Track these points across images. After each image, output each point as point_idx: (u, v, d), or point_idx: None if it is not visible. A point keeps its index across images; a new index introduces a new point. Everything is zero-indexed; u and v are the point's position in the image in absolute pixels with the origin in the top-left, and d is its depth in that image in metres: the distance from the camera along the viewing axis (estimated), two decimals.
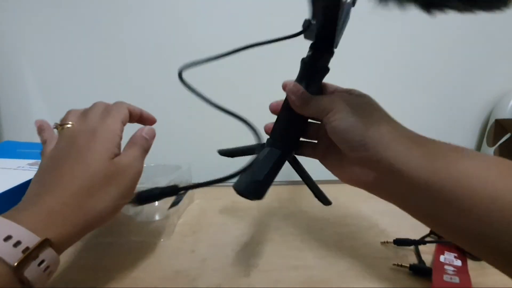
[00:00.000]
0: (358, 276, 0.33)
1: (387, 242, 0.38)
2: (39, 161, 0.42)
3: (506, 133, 0.58)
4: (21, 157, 0.43)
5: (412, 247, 0.37)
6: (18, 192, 0.35)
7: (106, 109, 0.30)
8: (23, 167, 0.40)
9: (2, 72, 0.58)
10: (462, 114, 0.67)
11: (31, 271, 0.19)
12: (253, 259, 0.36)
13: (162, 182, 0.44)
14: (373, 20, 0.58)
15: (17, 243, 0.19)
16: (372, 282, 0.32)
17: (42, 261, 0.20)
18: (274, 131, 0.31)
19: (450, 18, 0.53)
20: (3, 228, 0.19)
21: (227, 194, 0.46)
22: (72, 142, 0.27)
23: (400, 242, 0.37)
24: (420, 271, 0.32)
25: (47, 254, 0.20)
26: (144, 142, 0.30)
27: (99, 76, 0.58)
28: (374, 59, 0.60)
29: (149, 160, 0.43)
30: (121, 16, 0.55)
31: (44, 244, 0.20)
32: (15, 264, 0.18)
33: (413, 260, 0.35)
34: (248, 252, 0.37)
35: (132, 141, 0.30)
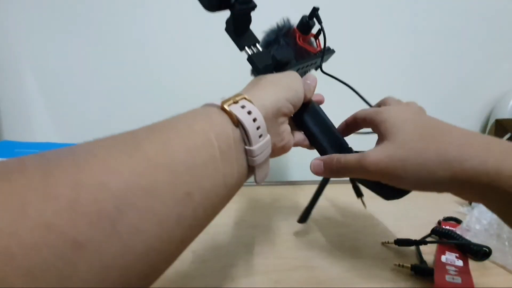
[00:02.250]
0: (359, 277, 0.33)
1: (388, 242, 0.38)
2: None
3: (506, 133, 0.58)
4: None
5: (413, 248, 0.37)
6: None
7: None
8: None
9: (2, 72, 0.58)
10: (462, 114, 0.67)
11: (235, 109, 0.21)
12: (253, 259, 0.35)
13: None
14: (373, 20, 0.58)
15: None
16: (374, 282, 0.32)
17: (243, 106, 0.21)
18: (341, 142, 0.31)
19: (450, 19, 0.54)
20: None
21: None
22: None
23: (401, 243, 0.37)
24: (421, 271, 0.32)
25: (246, 102, 0.22)
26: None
27: (99, 76, 0.57)
28: (374, 60, 0.60)
29: None
30: (121, 16, 0.55)
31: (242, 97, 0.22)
32: (220, 103, 0.21)
33: (415, 260, 0.35)
34: (248, 253, 0.37)
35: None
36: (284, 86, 0.26)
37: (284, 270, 0.34)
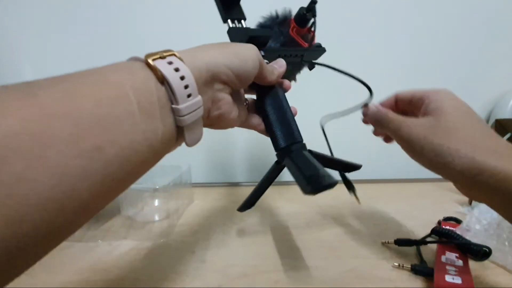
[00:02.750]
0: (359, 277, 0.33)
1: (388, 242, 0.38)
2: None
3: (506, 133, 0.58)
4: None
5: (413, 248, 0.37)
6: None
7: None
8: None
9: (2, 72, 0.58)
10: None
11: (160, 64, 0.20)
12: (253, 259, 0.35)
13: (162, 182, 0.44)
14: (372, 20, 0.58)
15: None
16: (374, 282, 0.32)
17: (171, 62, 0.20)
18: (293, 132, 0.30)
19: (449, 19, 0.53)
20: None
21: (227, 194, 0.47)
22: None
23: (401, 243, 0.37)
24: (421, 271, 0.32)
25: (175, 59, 0.21)
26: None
27: None
28: (373, 60, 0.60)
29: None
30: (121, 16, 0.55)
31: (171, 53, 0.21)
32: (145, 56, 0.20)
33: (415, 260, 0.35)
34: (248, 253, 0.37)
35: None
36: (230, 52, 0.25)
37: (284, 270, 0.34)
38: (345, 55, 0.44)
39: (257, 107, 0.31)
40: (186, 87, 0.20)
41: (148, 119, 0.18)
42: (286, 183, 0.58)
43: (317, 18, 0.33)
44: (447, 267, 0.32)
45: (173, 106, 0.20)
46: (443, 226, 0.40)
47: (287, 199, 0.51)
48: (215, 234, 0.41)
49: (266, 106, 0.30)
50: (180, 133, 0.22)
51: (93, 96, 0.16)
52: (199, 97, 0.22)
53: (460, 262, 0.33)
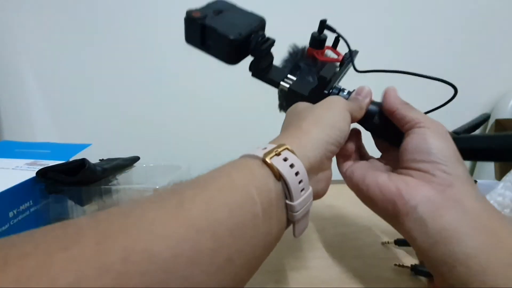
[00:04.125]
0: (359, 277, 0.33)
1: (388, 242, 0.38)
2: (37, 161, 0.42)
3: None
4: (19, 157, 0.43)
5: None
6: (15, 192, 0.34)
7: None
8: (21, 167, 0.40)
9: (2, 72, 0.58)
10: (462, 114, 0.66)
11: (277, 162, 0.20)
12: None
13: (162, 182, 0.44)
14: (371, 20, 0.58)
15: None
16: (373, 282, 0.32)
17: (286, 159, 0.20)
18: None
19: (450, 19, 0.53)
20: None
21: None
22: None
23: (401, 242, 0.37)
24: (422, 271, 0.32)
25: (289, 154, 0.21)
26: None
27: (99, 76, 0.57)
28: (372, 60, 0.60)
29: (149, 160, 0.42)
30: (121, 16, 0.55)
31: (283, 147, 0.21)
32: (262, 155, 0.20)
33: (415, 260, 0.35)
34: None
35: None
36: (327, 125, 0.24)
37: (284, 270, 0.34)
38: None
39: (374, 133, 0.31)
40: (300, 182, 0.20)
41: (267, 219, 0.18)
42: None
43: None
44: None
45: (288, 202, 0.20)
46: None
47: None
48: None
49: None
50: (287, 227, 0.21)
51: (227, 205, 0.17)
52: (310, 190, 0.21)
53: None
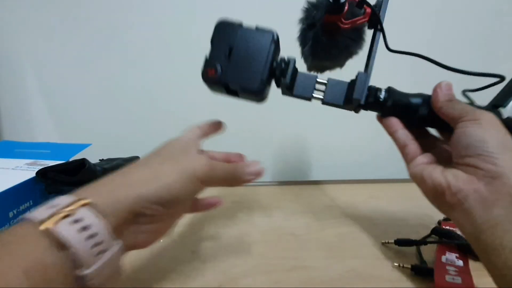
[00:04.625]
0: (359, 277, 0.33)
1: (388, 242, 0.38)
2: (37, 161, 0.42)
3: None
4: (19, 157, 0.43)
5: (413, 248, 0.37)
6: (15, 193, 0.34)
7: None
8: (21, 167, 0.40)
9: (2, 72, 0.58)
10: None
11: (63, 228, 0.17)
12: (253, 259, 0.35)
13: None
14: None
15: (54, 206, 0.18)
16: (373, 283, 0.32)
17: (77, 220, 0.17)
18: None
19: (449, 18, 0.53)
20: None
21: (227, 194, 0.47)
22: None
23: (401, 243, 0.37)
24: (421, 271, 0.32)
25: (84, 213, 0.18)
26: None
27: (99, 76, 0.57)
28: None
29: None
30: (121, 16, 0.55)
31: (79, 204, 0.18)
32: (44, 218, 0.17)
33: (415, 260, 0.35)
34: (248, 253, 0.37)
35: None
36: (148, 179, 0.22)
37: (284, 270, 0.34)
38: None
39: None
40: (95, 245, 0.17)
41: None
42: (287, 183, 0.57)
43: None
44: (447, 267, 0.32)
45: (78, 273, 0.17)
46: (444, 226, 0.40)
47: (287, 199, 0.51)
48: (216, 234, 0.41)
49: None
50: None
51: None
52: (114, 249, 0.19)
53: (460, 262, 0.33)
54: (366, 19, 0.30)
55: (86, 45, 0.56)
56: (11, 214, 0.34)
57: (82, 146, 0.46)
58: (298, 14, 0.31)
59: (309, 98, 0.30)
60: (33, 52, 0.57)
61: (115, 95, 0.58)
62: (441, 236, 0.38)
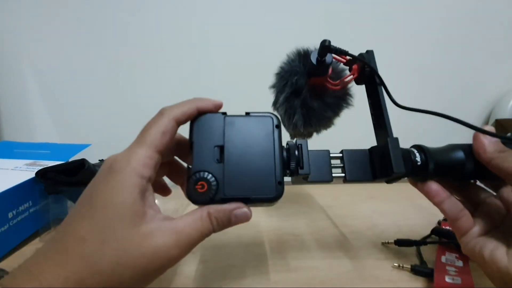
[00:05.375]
0: (359, 277, 0.33)
1: (388, 242, 0.38)
2: (36, 161, 0.42)
3: (507, 132, 0.58)
4: (18, 158, 0.43)
5: (413, 248, 0.37)
6: (15, 193, 0.34)
7: None
8: (20, 167, 0.40)
9: (2, 72, 0.58)
10: (462, 114, 0.66)
11: None
12: (253, 260, 0.35)
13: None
14: (372, 22, 0.58)
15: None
16: (373, 283, 0.32)
17: None
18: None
19: (450, 19, 0.53)
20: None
21: None
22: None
23: (401, 243, 0.37)
24: (421, 272, 0.32)
25: None
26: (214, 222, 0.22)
27: (99, 76, 0.57)
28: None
29: None
30: (121, 17, 0.55)
31: None
32: None
33: (415, 261, 0.35)
34: (248, 253, 0.37)
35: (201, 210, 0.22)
36: (83, 257, 0.17)
37: (284, 270, 0.34)
38: None
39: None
40: None
41: None
42: (287, 183, 0.57)
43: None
44: (447, 268, 0.32)
45: None
46: (443, 226, 0.40)
47: (287, 199, 0.51)
48: (215, 234, 0.41)
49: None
50: None
51: None
52: None
53: (460, 263, 0.33)
54: (356, 75, 0.27)
55: (87, 45, 0.56)
56: (10, 215, 0.34)
57: (82, 147, 0.46)
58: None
59: (329, 181, 0.25)
60: (33, 52, 0.57)
61: (115, 95, 0.58)
62: (441, 236, 0.38)
